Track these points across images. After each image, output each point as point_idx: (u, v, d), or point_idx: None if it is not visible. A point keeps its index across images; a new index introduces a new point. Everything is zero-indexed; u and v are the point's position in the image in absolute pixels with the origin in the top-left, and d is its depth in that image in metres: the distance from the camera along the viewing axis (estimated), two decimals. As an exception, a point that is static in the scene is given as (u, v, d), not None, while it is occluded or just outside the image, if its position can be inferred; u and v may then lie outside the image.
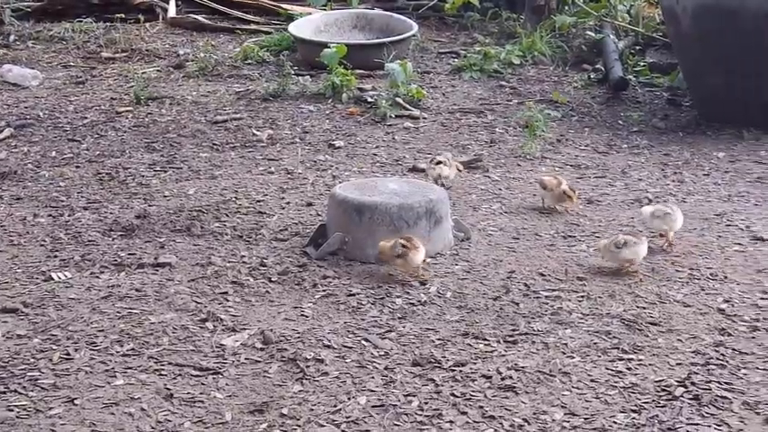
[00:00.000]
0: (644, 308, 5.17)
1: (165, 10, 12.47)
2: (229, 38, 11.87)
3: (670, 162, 7.80)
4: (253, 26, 12.22)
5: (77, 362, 4.58)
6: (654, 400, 4.29)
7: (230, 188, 6.99)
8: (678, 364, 4.59)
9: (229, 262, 5.71)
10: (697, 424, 4.11)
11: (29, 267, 5.66)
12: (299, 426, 4.11)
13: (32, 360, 4.60)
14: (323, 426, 4.11)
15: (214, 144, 8.10)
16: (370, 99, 9.22)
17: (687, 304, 5.22)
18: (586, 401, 4.29)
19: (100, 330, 4.87)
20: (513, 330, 4.90)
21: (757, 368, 4.55)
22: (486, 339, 4.81)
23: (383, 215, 5.70)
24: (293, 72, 9.85)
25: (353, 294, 5.30)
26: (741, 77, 8.46)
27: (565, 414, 4.19)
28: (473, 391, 4.35)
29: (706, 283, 5.47)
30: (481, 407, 4.24)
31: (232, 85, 9.93)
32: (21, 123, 8.63)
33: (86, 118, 8.85)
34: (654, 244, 5.97)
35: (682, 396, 4.30)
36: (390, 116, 8.78)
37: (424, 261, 5.53)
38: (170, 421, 4.14)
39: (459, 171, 7.05)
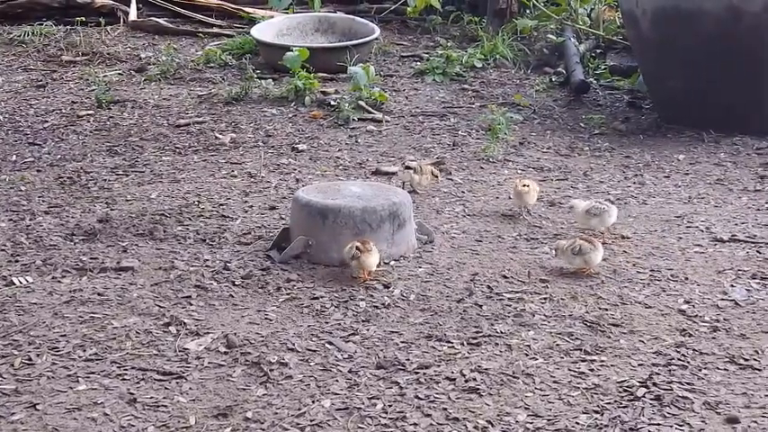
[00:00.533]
0: (606, 309, 5.20)
1: (127, 13, 12.40)
2: (191, 41, 11.83)
3: (631, 164, 7.86)
4: (215, 29, 12.18)
5: (39, 367, 4.55)
6: (616, 401, 4.32)
7: (193, 192, 6.97)
8: (640, 364, 4.62)
9: (192, 266, 5.69)
10: (659, 424, 4.14)
11: (-11, 272, 5.61)
12: (264, 429, 4.10)
13: (-6, 366, 4.56)
14: (287, 429, 4.10)
15: (176, 147, 8.07)
16: (332, 102, 9.22)
17: (648, 305, 5.25)
18: (549, 403, 4.31)
19: (62, 335, 4.83)
20: (477, 332, 4.91)
21: (718, 368, 4.59)
22: (449, 342, 4.82)
23: (346, 218, 5.70)
24: (256, 75, 9.83)
25: (317, 298, 5.30)
26: (700, 80, 8.54)
27: (528, 416, 4.20)
28: (437, 394, 4.36)
29: (667, 285, 5.51)
30: (445, 409, 4.24)
31: (194, 89, 9.90)
32: (-20, 127, 8.56)
33: (47, 121, 8.79)
34: (616, 247, 6.02)
35: (644, 397, 4.33)
36: (353, 119, 8.79)
37: (387, 263, 5.54)
38: (133, 426, 4.12)
39: (435, 177, 7.03)
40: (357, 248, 5.39)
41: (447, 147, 8.21)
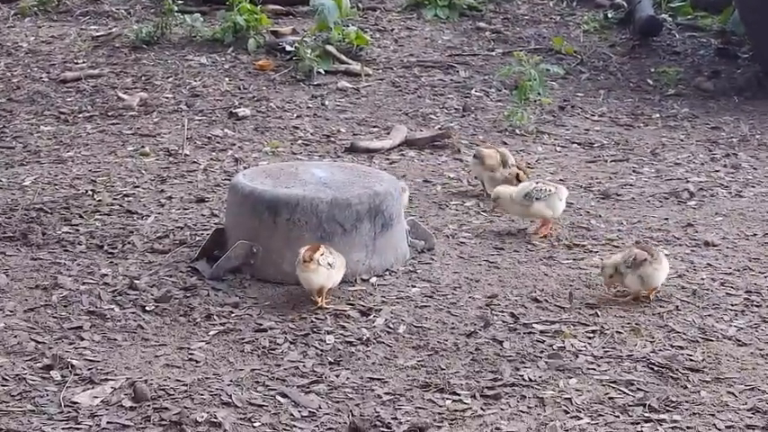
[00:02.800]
0: (681, 348, 5.23)
1: None
2: (83, -43, 11.86)
3: (720, 139, 7.92)
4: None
5: None
6: (694, 479, 4.37)
7: (85, 177, 6.99)
8: (729, 426, 4.66)
9: (84, 283, 5.70)
10: None
11: None
12: None
13: None
14: None
15: (61, 113, 8.09)
16: (288, 47, 9.26)
17: (742, 342, 5.29)
18: (598, 481, 4.36)
19: None
20: (495, 380, 4.94)
21: (839, 432, 4.65)
22: (455, 393, 4.84)
23: (307, 215, 5.71)
24: (177, 8, 9.84)
25: (264, 330, 5.32)
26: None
27: (568, 501, 4.26)
28: (437, 468, 4.41)
29: (769, 313, 5.58)
30: (449, 492, 4.29)
31: (87, 27, 9.92)
32: None
33: None
34: (696, 257, 6.07)
35: (733, 472, 4.39)
36: (319, 72, 8.83)
37: (366, 280, 5.58)
38: None
39: (512, 171, 6.84)
40: (304, 260, 5.38)
41: (454, 112, 8.26)
